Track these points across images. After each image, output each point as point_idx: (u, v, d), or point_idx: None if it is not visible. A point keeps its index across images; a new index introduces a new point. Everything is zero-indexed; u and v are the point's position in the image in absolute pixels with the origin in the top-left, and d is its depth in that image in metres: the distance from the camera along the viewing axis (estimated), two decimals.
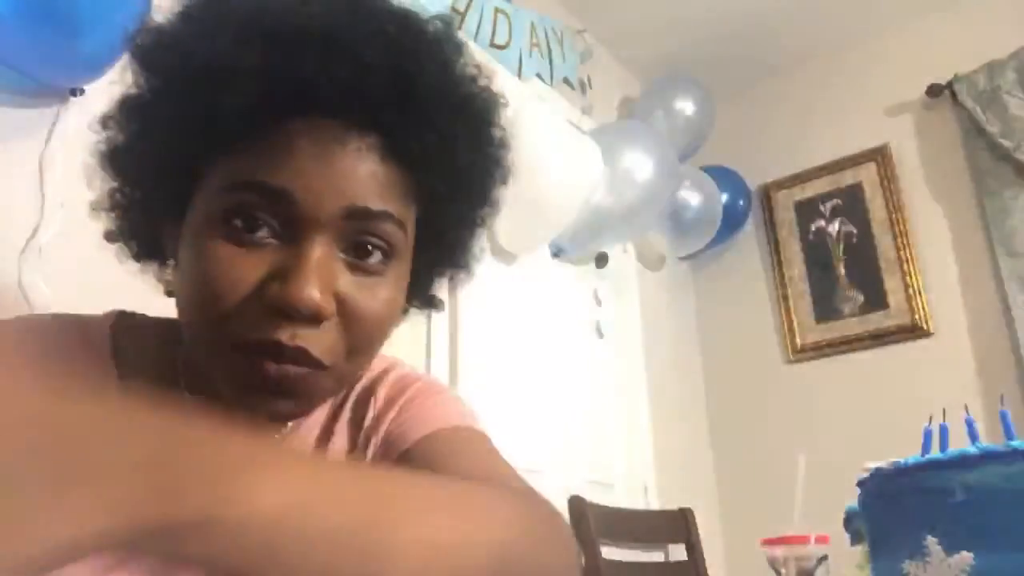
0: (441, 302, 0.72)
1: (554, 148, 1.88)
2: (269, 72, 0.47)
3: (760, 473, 2.59)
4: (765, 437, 2.66)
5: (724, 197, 2.74)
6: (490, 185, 0.63)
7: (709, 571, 2.14)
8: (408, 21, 0.52)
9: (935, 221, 2.57)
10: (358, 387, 0.67)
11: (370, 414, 0.64)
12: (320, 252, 0.49)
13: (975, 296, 2.44)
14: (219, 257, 0.48)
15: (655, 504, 2.31)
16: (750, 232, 2.95)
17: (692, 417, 2.77)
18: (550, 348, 2.10)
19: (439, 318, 1.78)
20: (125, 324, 0.62)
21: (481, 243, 0.68)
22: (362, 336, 0.52)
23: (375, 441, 0.63)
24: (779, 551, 0.93)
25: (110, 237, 0.61)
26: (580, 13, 2.66)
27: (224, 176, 0.49)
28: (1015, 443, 0.63)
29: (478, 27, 2.10)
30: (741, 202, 2.86)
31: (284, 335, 0.48)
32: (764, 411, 2.71)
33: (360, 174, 0.50)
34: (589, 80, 2.64)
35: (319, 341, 0.49)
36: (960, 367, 2.39)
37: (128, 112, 0.53)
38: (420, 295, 0.68)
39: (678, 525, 2.18)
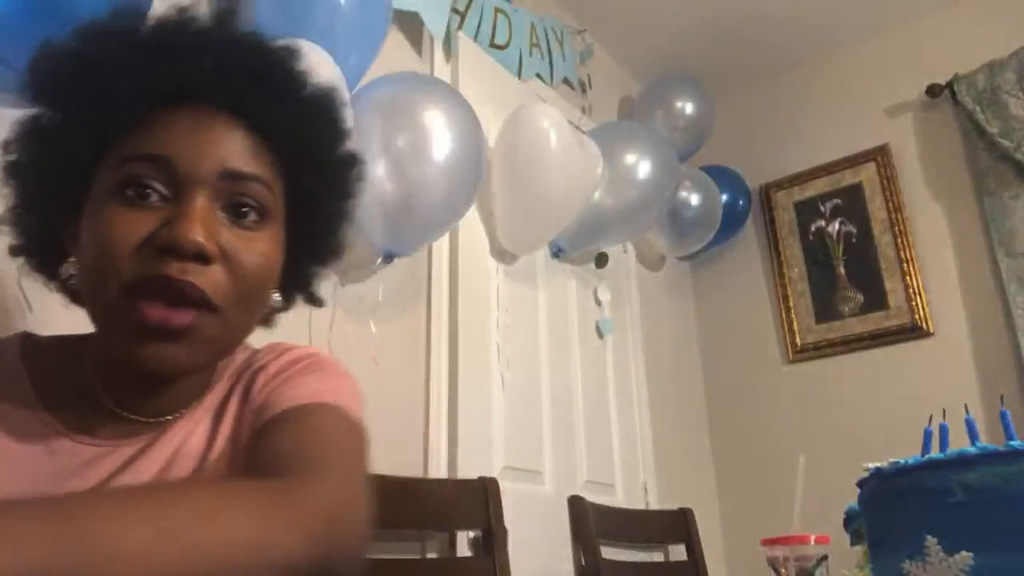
0: (322, 300, 0.77)
1: (554, 148, 1.87)
2: (151, 67, 0.58)
3: (760, 473, 2.59)
4: (765, 437, 2.66)
5: (724, 197, 2.73)
6: (340, 164, 0.71)
7: (709, 571, 2.14)
8: (257, 34, 0.67)
9: (935, 221, 2.57)
10: (254, 365, 0.71)
11: (257, 386, 0.68)
12: (202, 203, 0.58)
13: (975, 296, 2.44)
14: (114, 219, 0.56)
15: (655, 504, 2.31)
16: (750, 232, 2.95)
17: (692, 417, 2.77)
18: (550, 348, 2.10)
19: (439, 318, 1.78)
20: (31, 344, 0.68)
21: (348, 236, 0.75)
22: (244, 283, 0.59)
23: (253, 409, 0.67)
24: (779, 551, 0.93)
25: (13, 251, 0.66)
26: (580, 13, 2.66)
27: (114, 157, 0.59)
28: (1015, 443, 0.63)
29: (478, 27, 2.11)
30: (741, 202, 2.86)
31: (172, 269, 0.55)
32: (764, 411, 2.71)
33: (230, 142, 0.60)
34: (589, 80, 2.64)
35: (206, 278, 0.57)
36: (960, 367, 2.39)
37: (27, 130, 0.61)
38: (300, 286, 0.74)
39: (678, 525, 2.19)
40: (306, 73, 0.70)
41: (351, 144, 0.73)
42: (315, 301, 0.76)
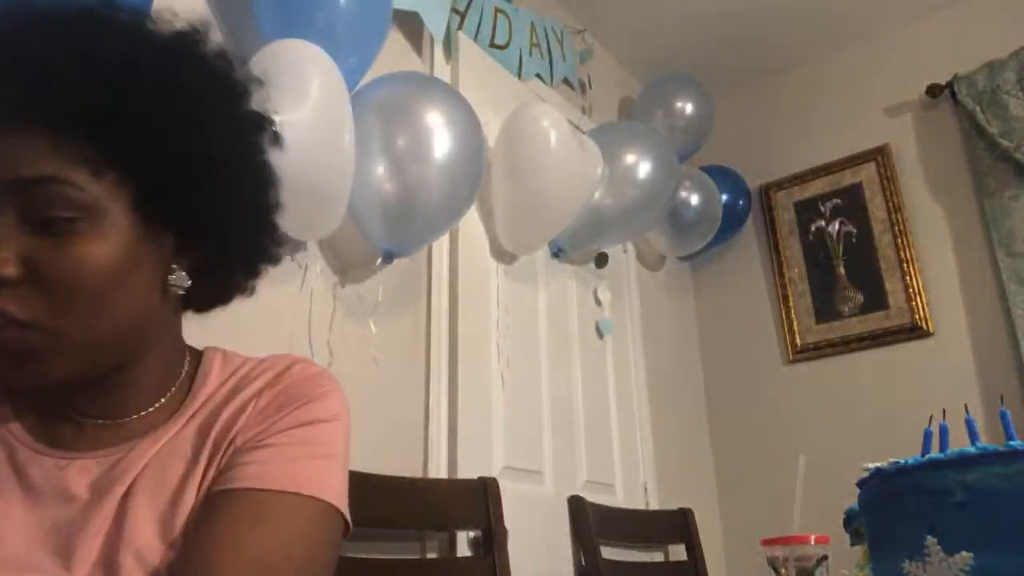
0: (245, 289, 0.71)
1: (554, 148, 1.88)
2: None
3: (760, 473, 2.59)
4: (765, 437, 2.66)
5: (724, 197, 2.74)
6: (193, 136, 0.59)
7: (709, 571, 2.14)
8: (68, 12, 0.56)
9: (935, 221, 2.57)
10: (253, 384, 0.66)
11: (245, 418, 0.64)
12: None
13: (975, 296, 2.44)
14: None
15: (655, 504, 2.31)
16: (750, 232, 2.95)
17: (692, 417, 2.77)
18: (550, 348, 2.10)
19: (439, 318, 1.78)
20: None
21: (267, 232, 0.68)
22: (61, 292, 0.54)
23: (231, 446, 0.63)
24: (779, 551, 0.93)
25: None
26: (580, 13, 2.66)
27: None
28: (1015, 443, 0.63)
29: (478, 27, 2.11)
30: (741, 202, 2.86)
31: None
32: (764, 411, 2.71)
33: (17, 146, 0.54)
34: (589, 80, 2.64)
35: (16, 300, 0.53)
36: (960, 367, 2.39)
37: None
38: (213, 276, 0.66)
39: (678, 525, 2.19)
40: (135, 22, 0.58)
41: (235, 107, 0.63)
42: (236, 292, 0.71)
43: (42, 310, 0.54)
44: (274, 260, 0.71)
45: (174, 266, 0.62)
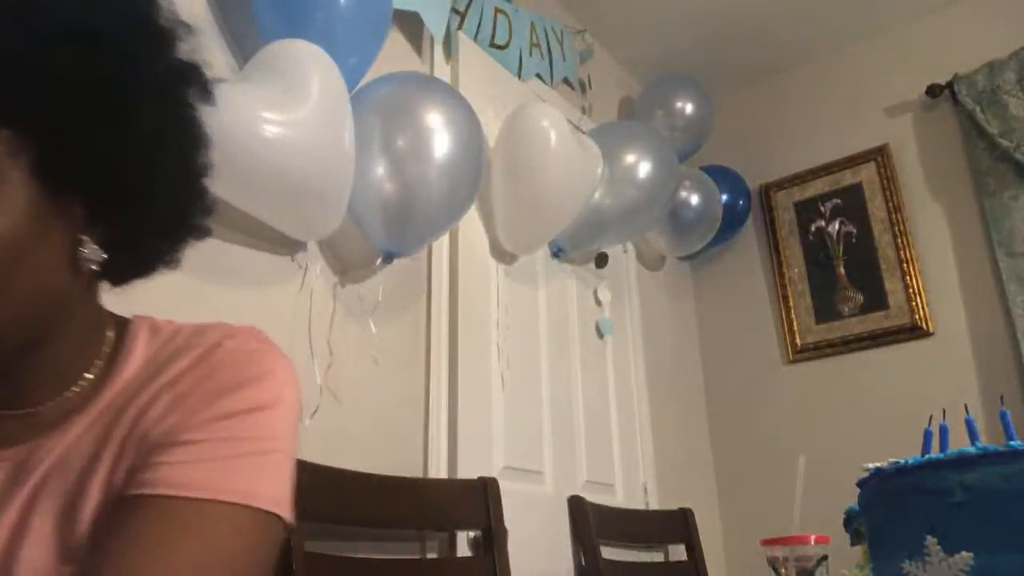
0: (170, 261, 0.62)
1: (554, 148, 1.88)
2: None
3: (760, 473, 2.59)
4: (765, 437, 2.66)
5: (724, 197, 2.74)
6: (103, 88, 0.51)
7: (709, 571, 2.14)
8: None
9: (935, 221, 2.57)
10: (175, 362, 0.57)
11: (159, 407, 0.54)
12: None
13: (975, 296, 2.44)
14: None
15: (655, 504, 2.31)
16: (750, 232, 2.95)
17: (692, 417, 2.77)
18: (550, 348, 2.10)
19: (439, 318, 1.78)
20: None
21: (195, 203, 0.61)
22: None
23: (145, 439, 0.53)
24: (779, 551, 0.93)
25: None
26: (580, 13, 2.67)
27: None
28: (1015, 443, 0.63)
29: (478, 27, 2.11)
30: (741, 202, 2.86)
31: None
32: (764, 411, 2.71)
33: None
34: (589, 80, 2.64)
35: None
36: (960, 367, 2.39)
37: None
38: (128, 249, 0.58)
39: (678, 525, 2.19)
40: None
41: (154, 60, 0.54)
42: (158, 264, 0.62)
43: None
44: (201, 232, 0.62)
45: (84, 238, 0.53)
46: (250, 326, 0.60)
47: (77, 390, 0.57)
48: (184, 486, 0.50)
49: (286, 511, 0.55)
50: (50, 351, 0.55)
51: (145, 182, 0.55)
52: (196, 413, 0.53)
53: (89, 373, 0.58)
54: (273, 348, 0.59)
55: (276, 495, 0.54)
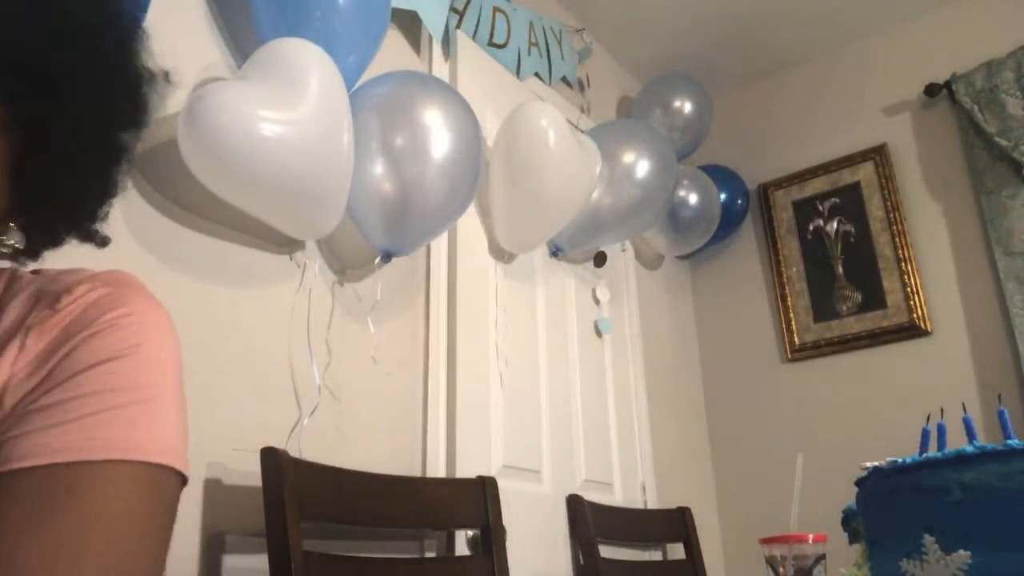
0: (105, 238, 0.60)
1: (553, 147, 1.87)
2: None
3: (758, 472, 2.59)
4: (763, 436, 2.66)
5: (722, 196, 2.74)
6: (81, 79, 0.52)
7: (707, 570, 2.15)
8: None
9: (933, 220, 2.57)
10: (24, 296, 0.52)
11: (8, 357, 0.48)
12: None
13: (973, 295, 2.44)
14: None
15: (653, 503, 2.31)
16: (748, 231, 2.95)
17: (690, 416, 2.77)
18: (548, 347, 2.10)
19: (437, 317, 1.78)
20: None
21: (116, 174, 0.59)
22: None
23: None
24: (777, 550, 0.93)
25: None
26: (579, 12, 2.66)
27: None
28: (1012, 442, 0.63)
29: (477, 26, 2.10)
30: (739, 201, 2.86)
31: None
32: (762, 410, 2.71)
33: None
34: (588, 79, 2.64)
35: None
36: (958, 366, 2.39)
37: None
38: (67, 220, 0.58)
39: (676, 524, 2.19)
40: None
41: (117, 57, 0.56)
42: (92, 238, 0.61)
43: None
44: (113, 191, 0.60)
45: (11, 225, 0.53)
46: (115, 269, 0.55)
47: None
48: (48, 453, 0.44)
49: (177, 461, 0.49)
50: None
51: (68, 176, 0.54)
52: (51, 372, 0.47)
53: None
54: (130, 288, 0.53)
55: (159, 445, 0.48)
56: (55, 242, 0.59)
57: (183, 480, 0.50)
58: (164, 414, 0.49)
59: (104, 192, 0.58)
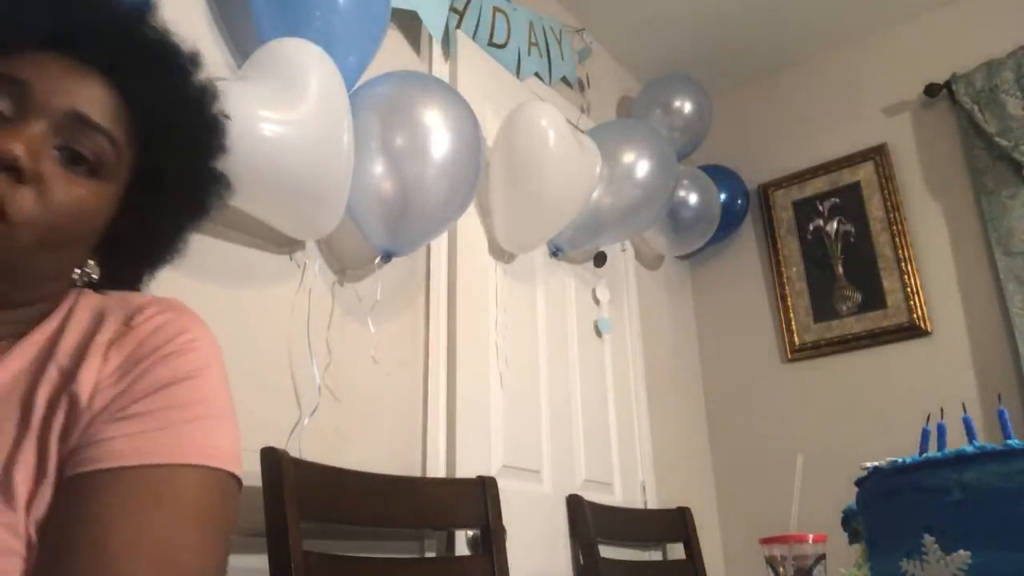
0: (173, 253, 0.73)
1: (553, 147, 1.87)
2: (37, 8, 0.60)
3: (758, 472, 2.59)
4: (763, 436, 2.66)
5: (722, 196, 2.74)
6: (199, 133, 0.69)
7: (707, 570, 2.15)
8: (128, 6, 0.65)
9: (933, 220, 2.57)
10: (104, 324, 0.61)
11: (92, 365, 0.57)
12: (36, 129, 0.57)
13: (973, 295, 2.44)
14: None
15: (653, 503, 2.31)
16: (748, 231, 2.95)
17: (690, 416, 2.77)
18: (548, 347, 2.10)
19: (437, 317, 1.78)
20: None
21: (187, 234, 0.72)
22: (52, 216, 0.57)
23: (75, 406, 0.55)
24: (777, 550, 0.93)
25: None
26: (579, 12, 2.66)
27: None
28: (1012, 442, 0.63)
29: (476, 26, 2.10)
30: (739, 201, 2.86)
31: None
32: (762, 410, 2.71)
33: (90, 90, 0.61)
34: (588, 79, 2.64)
35: (19, 193, 0.55)
36: (958, 366, 2.39)
37: None
38: (127, 265, 0.70)
39: (676, 524, 2.19)
40: (182, 50, 0.68)
41: (219, 142, 0.70)
42: (158, 258, 0.73)
43: (32, 222, 0.56)
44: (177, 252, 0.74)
45: (91, 262, 0.65)
46: (170, 297, 0.66)
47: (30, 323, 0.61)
48: (140, 455, 0.52)
49: (239, 467, 0.58)
50: (40, 294, 0.62)
51: (165, 226, 0.70)
52: (132, 385, 0.56)
53: (40, 320, 0.62)
54: (188, 316, 0.63)
55: (226, 454, 0.57)
56: (127, 281, 0.70)
57: (240, 484, 0.59)
58: (229, 427, 0.59)
59: (182, 244, 0.72)
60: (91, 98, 0.60)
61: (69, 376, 0.56)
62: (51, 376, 0.57)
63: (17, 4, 0.61)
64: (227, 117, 0.71)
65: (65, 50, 0.61)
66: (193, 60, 0.68)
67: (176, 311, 0.62)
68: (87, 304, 0.63)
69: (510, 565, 1.54)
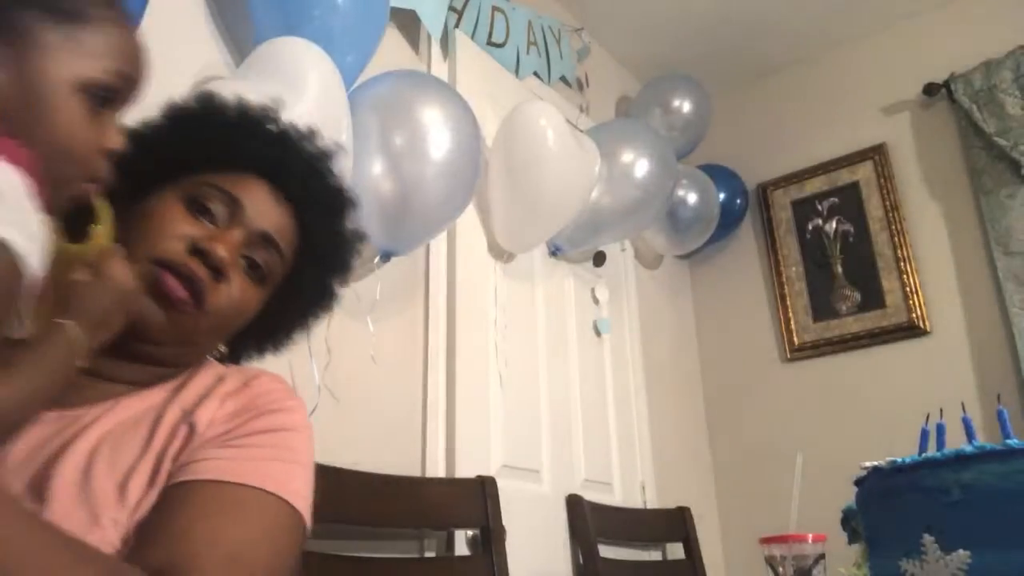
0: (290, 341, 0.90)
1: (552, 147, 1.87)
2: (248, 143, 0.77)
3: (758, 472, 2.59)
4: (762, 436, 2.66)
5: (721, 196, 2.74)
6: (345, 263, 0.88)
7: (707, 570, 2.15)
8: (320, 143, 0.83)
9: (932, 220, 2.57)
10: (224, 378, 0.75)
11: (210, 407, 0.70)
12: (237, 240, 0.73)
13: (972, 294, 2.44)
14: (174, 212, 0.72)
15: (653, 503, 2.31)
16: (747, 231, 2.95)
17: (690, 416, 2.77)
18: (547, 347, 2.10)
19: (437, 317, 1.78)
20: None
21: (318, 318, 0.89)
22: (229, 311, 0.73)
23: (193, 432, 0.68)
24: (777, 550, 0.93)
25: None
26: (578, 11, 2.66)
27: (195, 180, 0.75)
28: (1012, 442, 0.63)
29: (475, 25, 2.10)
30: (738, 201, 2.86)
31: (194, 264, 0.70)
32: (761, 410, 2.71)
33: (278, 217, 0.77)
34: (587, 78, 2.64)
35: (216, 288, 0.71)
36: (957, 366, 2.39)
37: (142, 137, 0.76)
38: (279, 334, 0.88)
39: (676, 524, 2.19)
40: (350, 196, 0.87)
41: (353, 258, 0.89)
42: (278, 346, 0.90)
43: (218, 307, 0.71)
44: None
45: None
46: (276, 374, 0.80)
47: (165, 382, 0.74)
48: (232, 474, 0.64)
49: (309, 515, 0.69)
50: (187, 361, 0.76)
51: (290, 325, 0.88)
52: (242, 424, 0.69)
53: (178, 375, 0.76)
54: (289, 390, 0.78)
55: (303, 495, 0.69)
56: (251, 358, 0.87)
57: (306, 529, 0.70)
58: (307, 478, 0.71)
59: (299, 334, 0.89)
60: (280, 225, 0.77)
61: (190, 412, 0.69)
62: (175, 411, 0.69)
63: (249, 137, 0.77)
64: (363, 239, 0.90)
65: (269, 179, 0.77)
66: (354, 202, 0.87)
67: (284, 385, 0.77)
68: (211, 370, 0.77)
69: (509, 565, 1.54)
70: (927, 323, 2.48)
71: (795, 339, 2.72)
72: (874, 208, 2.67)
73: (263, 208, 0.75)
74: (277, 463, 0.67)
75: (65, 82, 0.57)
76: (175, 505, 0.61)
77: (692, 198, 2.58)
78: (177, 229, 0.70)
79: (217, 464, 0.64)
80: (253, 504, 0.64)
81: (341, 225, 0.85)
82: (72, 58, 0.57)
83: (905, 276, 2.55)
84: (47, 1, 0.57)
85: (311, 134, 0.82)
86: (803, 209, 2.83)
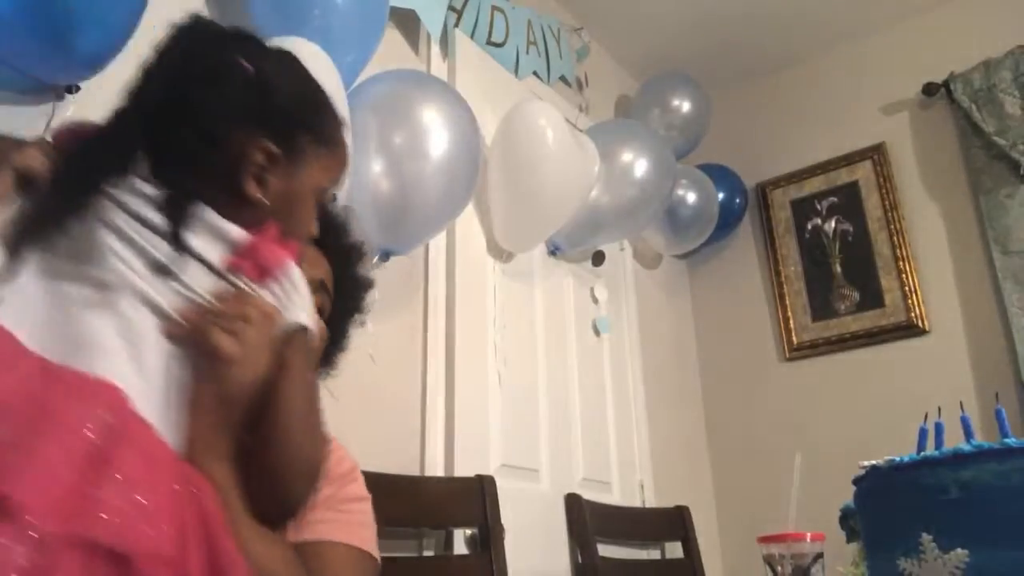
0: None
1: (551, 146, 1.87)
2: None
3: (756, 471, 2.59)
4: (761, 435, 2.66)
5: (720, 195, 2.74)
6: (358, 307, 0.99)
7: (705, 569, 2.15)
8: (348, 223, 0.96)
9: (931, 219, 2.57)
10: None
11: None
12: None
13: (971, 294, 2.45)
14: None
15: (651, 502, 2.31)
16: (746, 230, 2.95)
17: (688, 415, 2.77)
18: (546, 346, 2.10)
19: (436, 316, 1.78)
20: None
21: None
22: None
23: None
24: (775, 549, 0.93)
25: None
26: (577, 11, 2.66)
27: None
28: (1010, 440, 0.63)
29: (475, 25, 2.10)
30: (737, 200, 2.86)
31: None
32: (760, 409, 2.72)
33: (326, 265, 0.90)
34: (586, 78, 2.64)
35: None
36: (956, 365, 2.40)
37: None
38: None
39: (674, 523, 2.19)
40: (360, 235, 0.98)
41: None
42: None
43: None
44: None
45: None
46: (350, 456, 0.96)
47: None
48: (354, 539, 0.84)
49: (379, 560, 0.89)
50: None
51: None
52: (339, 489, 0.86)
53: None
54: (358, 466, 0.96)
55: (376, 549, 0.88)
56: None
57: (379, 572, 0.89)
58: (375, 534, 0.89)
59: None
60: (328, 273, 0.89)
61: None
62: None
63: None
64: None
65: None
66: (368, 253, 1.00)
67: (354, 461, 0.95)
68: None
69: (508, 564, 1.54)
70: (926, 322, 2.49)
71: (794, 338, 2.72)
72: (873, 208, 2.68)
73: (315, 257, 0.86)
74: (368, 529, 0.88)
75: (312, 189, 0.76)
76: (315, 560, 0.78)
77: (691, 197, 2.58)
78: None
79: (335, 528, 0.83)
80: (359, 561, 0.84)
81: (361, 273, 0.97)
82: (318, 171, 0.76)
83: (904, 275, 2.55)
84: (317, 130, 0.77)
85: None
86: (802, 209, 2.83)
